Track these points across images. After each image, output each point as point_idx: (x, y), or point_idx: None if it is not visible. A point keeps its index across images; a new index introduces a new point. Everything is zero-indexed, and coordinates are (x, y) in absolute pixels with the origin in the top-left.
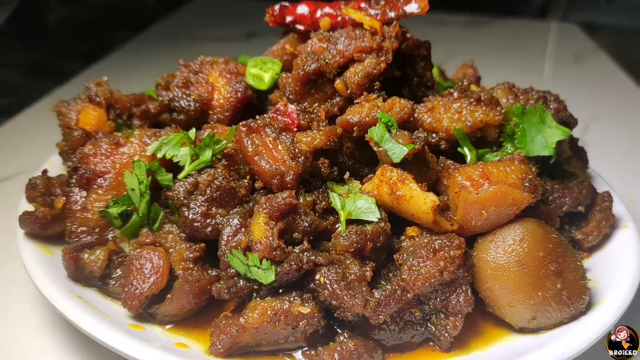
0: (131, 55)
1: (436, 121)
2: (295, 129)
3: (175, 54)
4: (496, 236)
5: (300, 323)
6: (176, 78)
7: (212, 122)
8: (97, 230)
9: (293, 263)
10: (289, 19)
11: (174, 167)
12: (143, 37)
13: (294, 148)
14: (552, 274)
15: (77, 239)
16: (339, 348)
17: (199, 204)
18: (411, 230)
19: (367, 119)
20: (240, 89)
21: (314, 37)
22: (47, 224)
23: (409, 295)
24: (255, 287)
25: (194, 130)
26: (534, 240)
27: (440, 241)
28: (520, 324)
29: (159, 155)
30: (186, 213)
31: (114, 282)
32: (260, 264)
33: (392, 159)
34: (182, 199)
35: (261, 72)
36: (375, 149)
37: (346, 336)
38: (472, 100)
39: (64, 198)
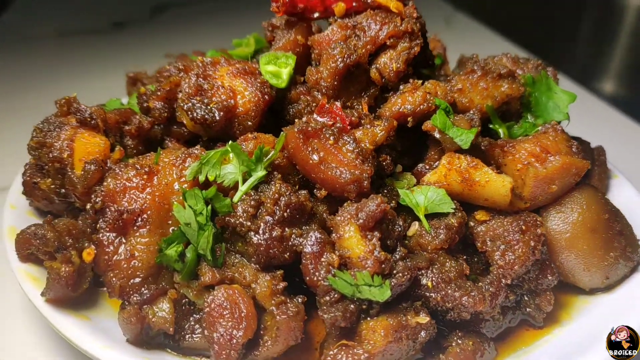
0: None
1: (469, 101)
2: (349, 128)
3: (38, 55)
4: (563, 207)
5: (420, 334)
6: (183, 85)
7: (237, 132)
8: (149, 279)
9: (406, 273)
10: (299, 6)
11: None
12: None
13: (360, 149)
14: (617, 233)
15: (133, 294)
16: (459, 350)
17: (270, 227)
18: (481, 215)
19: (421, 107)
20: (266, 90)
21: (334, 24)
22: (76, 285)
23: (507, 281)
24: (364, 306)
25: (231, 143)
26: (597, 204)
27: (523, 221)
28: (594, 285)
29: (201, 178)
30: (256, 240)
31: (189, 336)
32: (372, 280)
33: (461, 145)
34: (248, 224)
35: (279, 68)
36: (439, 137)
37: (460, 336)
38: (494, 75)
39: (92, 247)
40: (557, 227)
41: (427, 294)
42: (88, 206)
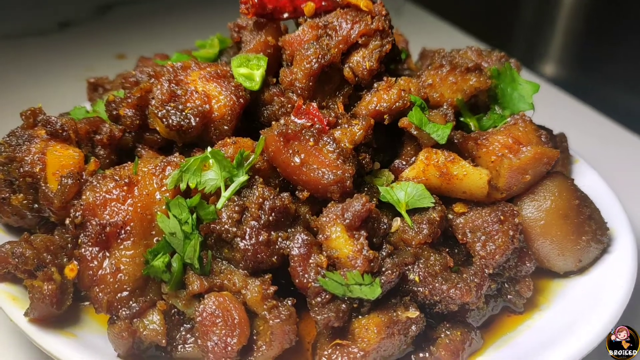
0: None
1: (440, 96)
2: (327, 128)
3: None
4: (536, 195)
5: (411, 328)
6: (155, 92)
7: (214, 136)
8: (137, 291)
9: (395, 270)
10: (269, 7)
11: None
12: None
13: (341, 149)
14: (587, 218)
15: (122, 308)
16: (448, 341)
17: (256, 232)
18: (459, 207)
19: (397, 104)
20: (241, 94)
21: (304, 24)
22: (59, 302)
23: (490, 271)
24: (355, 305)
25: (209, 149)
26: (567, 191)
27: (500, 212)
28: (568, 269)
29: (182, 186)
30: (243, 245)
31: (182, 347)
32: (363, 279)
33: (438, 140)
34: (234, 230)
35: (251, 71)
36: (415, 133)
37: (448, 327)
38: (462, 69)
39: (75, 263)
40: (531, 215)
41: (415, 289)
42: (67, 221)
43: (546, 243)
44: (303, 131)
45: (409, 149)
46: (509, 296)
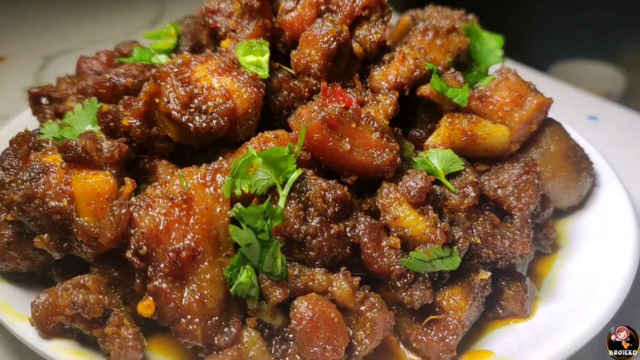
0: None
1: (433, 59)
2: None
3: None
4: (540, 142)
5: (486, 288)
6: (168, 94)
7: (240, 134)
8: (224, 314)
9: (467, 237)
10: None
11: None
12: None
13: (382, 127)
14: (581, 155)
15: (216, 336)
16: (513, 293)
17: (326, 226)
18: (480, 166)
19: (415, 73)
20: (260, 84)
21: (301, 2)
22: (143, 347)
23: (528, 220)
24: (435, 278)
25: (252, 149)
26: (563, 134)
27: (523, 163)
28: (571, 204)
29: (237, 192)
30: (317, 242)
31: (281, 357)
32: (443, 252)
33: (460, 104)
34: (305, 228)
35: (259, 57)
36: (437, 100)
37: (508, 280)
38: (444, 31)
39: (150, 299)
40: (540, 162)
41: (479, 251)
42: (129, 254)
43: (555, 184)
44: (342, 114)
45: (423, 117)
46: (538, 241)
